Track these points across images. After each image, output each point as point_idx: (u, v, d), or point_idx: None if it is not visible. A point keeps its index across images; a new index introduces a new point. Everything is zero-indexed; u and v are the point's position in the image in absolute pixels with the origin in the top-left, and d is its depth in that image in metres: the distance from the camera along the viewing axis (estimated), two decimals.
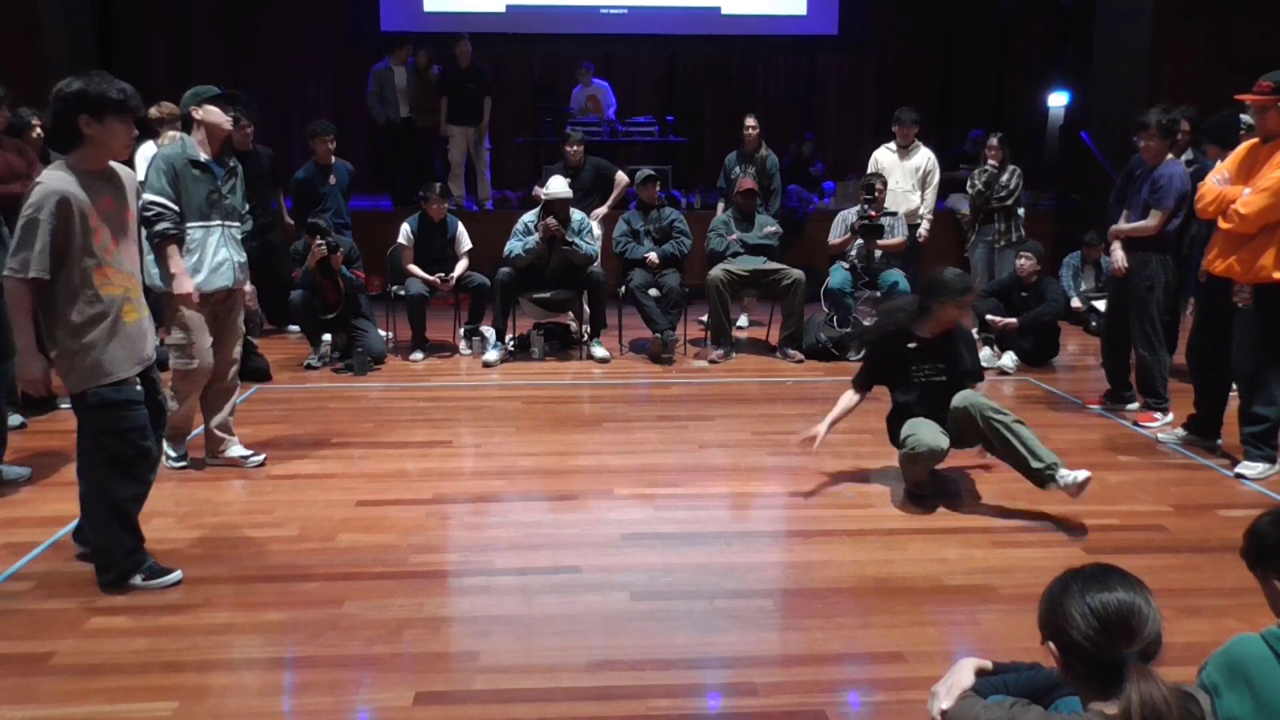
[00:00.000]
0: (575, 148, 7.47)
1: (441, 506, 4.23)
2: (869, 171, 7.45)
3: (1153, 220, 5.15)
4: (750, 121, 7.70)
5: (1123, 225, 5.34)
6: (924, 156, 7.48)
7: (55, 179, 3.09)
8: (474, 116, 9.28)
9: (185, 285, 4.20)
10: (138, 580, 3.39)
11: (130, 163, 5.75)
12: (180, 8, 11.15)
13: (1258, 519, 1.98)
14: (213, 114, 4.31)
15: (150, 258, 4.29)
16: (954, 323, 4.25)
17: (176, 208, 4.23)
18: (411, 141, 9.51)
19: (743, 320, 8.12)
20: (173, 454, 4.59)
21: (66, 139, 3.14)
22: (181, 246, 4.26)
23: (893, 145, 7.55)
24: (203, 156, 4.32)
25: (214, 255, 4.38)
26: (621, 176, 7.80)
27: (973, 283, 4.24)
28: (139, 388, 3.31)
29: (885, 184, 7.14)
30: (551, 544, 3.81)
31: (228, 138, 4.50)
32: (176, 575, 3.45)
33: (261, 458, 4.68)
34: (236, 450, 4.67)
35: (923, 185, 7.45)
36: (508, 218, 7.48)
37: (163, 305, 4.32)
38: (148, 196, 4.18)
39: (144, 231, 4.21)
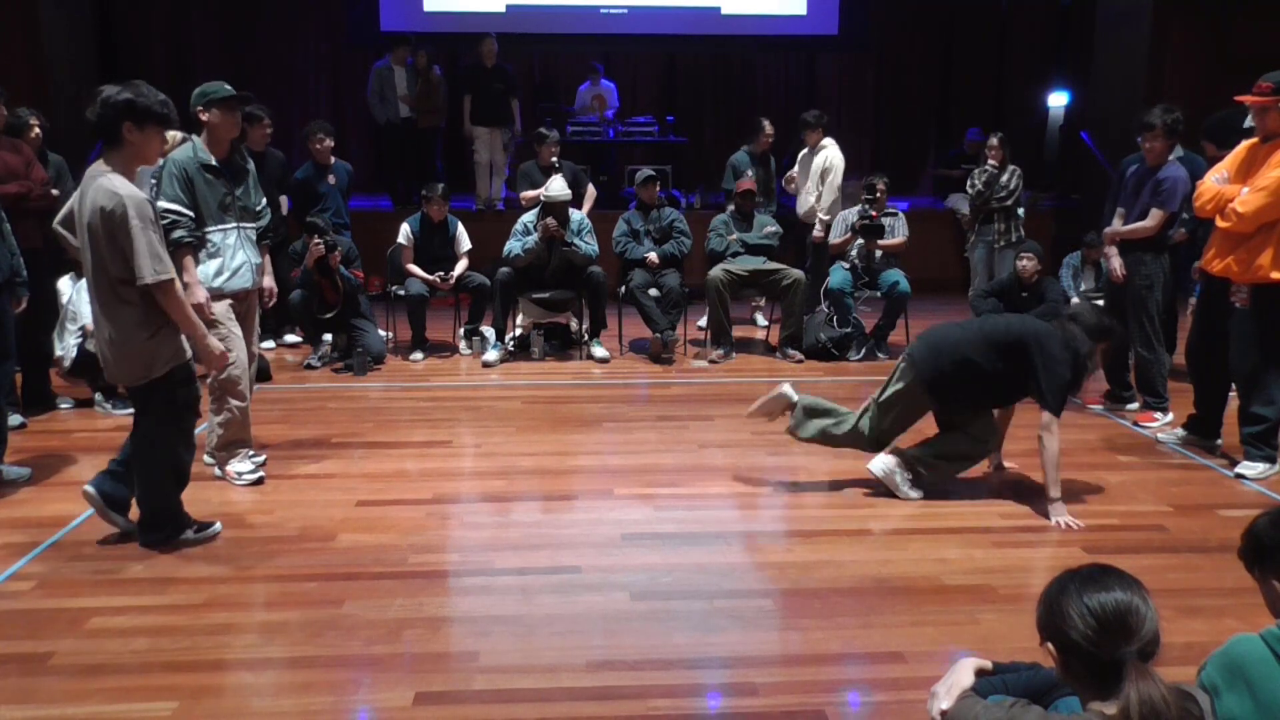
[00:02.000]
0: (553, 148, 7.50)
1: (441, 506, 4.23)
2: (793, 172, 7.74)
3: (1152, 221, 5.15)
4: (769, 128, 7.79)
5: (1119, 227, 5.33)
6: (823, 154, 7.55)
7: (125, 185, 3.36)
8: (501, 118, 9.25)
9: (198, 294, 4.17)
10: (190, 534, 3.75)
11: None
12: (180, 8, 11.15)
13: (1255, 520, 1.98)
14: (218, 116, 4.26)
15: None
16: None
17: (191, 214, 4.21)
18: (411, 141, 9.51)
19: (760, 319, 8.11)
20: (245, 469, 4.46)
21: (106, 140, 3.40)
22: (198, 254, 4.25)
23: (803, 151, 7.78)
24: (213, 160, 4.28)
25: (233, 257, 4.36)
26: (592, 191, 7.94)
27: (1113, 327, 4.21)
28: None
29: (887, 184, 7.15)
30: (551, 544, 3.81)
31: (238, 138, 4.45)
32: (218, 526, 3.85)
33: (262, 458, 4.63)
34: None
35: (821, 181, 7.54)
36: (510, 218, 7.49)
37: None
38: (162, 204, 4.16)
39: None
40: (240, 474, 4.43)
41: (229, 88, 4.31)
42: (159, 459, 3.62)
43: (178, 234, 4.14)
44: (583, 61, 10.47)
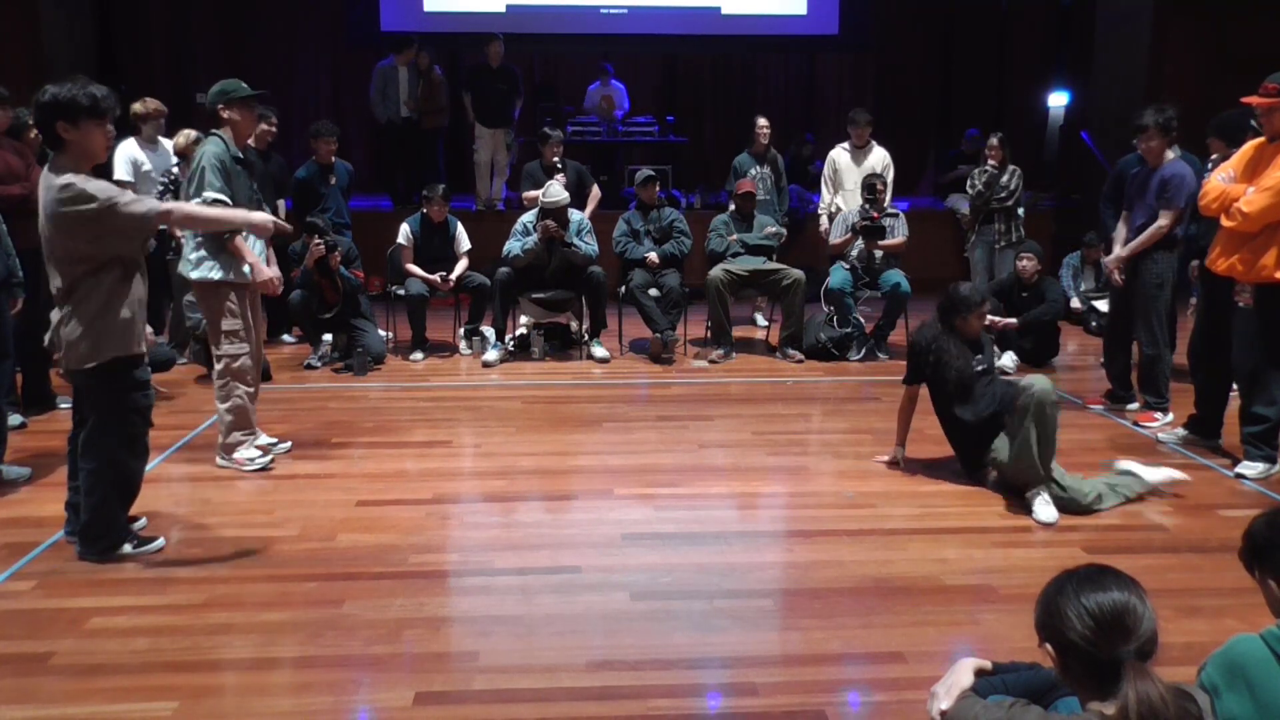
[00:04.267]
0: (556, 148, 7.51)
1: (441, 506, 4.23)
2: (826, 174, 7.70)
3: (1165, 221, 5.12)
4: (763, 122, 7.77)
5: (1135, 240, 5.24)
6: (880, 156, 7.62)
7: (82, 176, 3.31)
8: (505, 118, 9.25)
9: (265, 272, 4.39)
10: (127, 549, 3.61)
11: (109, 161, 5.82)
12: (180, 7, 11.15)
13: (1253, 520, 1.99)
14: (238, 113, 4.42)
15: (187, 249, 4.41)
16: (977, 332, 4.49)
17: (233, 203, 4.32)
18: (412, 141, 9.50)
19: (760, 319, 8.11)
20: (254, 455, 4.57)
21: (50, 144, 3.37)
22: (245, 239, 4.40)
23: (846, 146, 7.71)
24: (239, 153, 4.44)
25: (255, 246, 4.49)
26: (597, 191, 7.96)
27: (985, 295, 4.55)
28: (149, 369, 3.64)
29: (885, 184, 7.16)
30: (551, 544, 3.81)
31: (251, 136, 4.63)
32: (160, 542, 3.71)
33: (288, 445, 4.85)
34: (264, 439, 4.77)
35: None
36: (510, 218, 7.49)
37: (202, 296, 4.48)
38: (210, 195, 4.27)
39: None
40: (251, 460, 4.54)
41: (245, 86, 4.47)
42: (102, 460, 3.51)
43: None
44: (583, 62, 10.46)
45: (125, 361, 3.45)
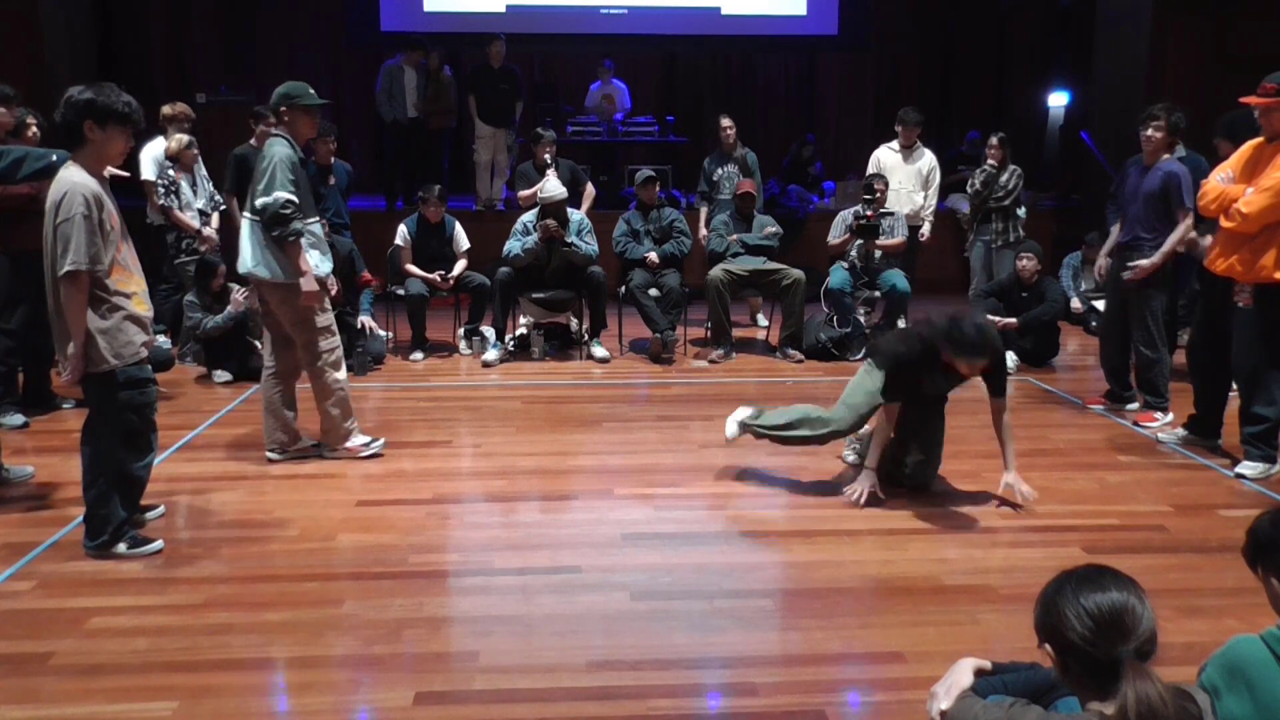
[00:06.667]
0: (548, 148, 7.50)
1: (441, 506, 4.23)
2: (870, 171, 7.49)
3: (1190, 220, 5.08)
4: (726, 121, 7.75)
5: (1166, 242, 5.12)
6: (928, 157, 7.56)
7: (79, 176, 3.38)
8: (507, 118, 9.29)
9: (310, 284, 4.39)
10: (121, 548, 3.62)
11: (134, 158, 5.84)
12: (180, 7, 11.15)
13: (1257, 518, 1.99)
14: (301, 118, 4.43)
15: (258, 246, 4.37)
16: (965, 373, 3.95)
17: (299, 205, 4.37)
18: (416, 142, 9.50)
19: (761, 319, 8.10)
20: (367, 439, 4.78)
21: (69, 140, 3.44)
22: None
23: (895, 145, 7.58)
24: (301, 156, 4.49)
25: (316, 255, 4.53)
26: (591, 189, 7.95)
27: (989, 346, 3.88)
28: (150, 368, 3.66)
29: (885, 184, 7.15)
30: (551, 544, 3.82)
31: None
32: (158, 544, 3.69)
33: (381, 441, 4.88)
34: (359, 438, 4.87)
35: (925, 185, 7.53)
36: (510, 218, 7.49)
37: (287, 298, 4.44)
38: (283, 195, 4.26)
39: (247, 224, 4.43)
40: (366, 444, 4.76)
41: (312, 92, 4.47)
42: (100, 460, 3.56)
43: (296, 225, 4.31)
44: (583, 62, 10.46)
45: (127, 369, 3.50)
